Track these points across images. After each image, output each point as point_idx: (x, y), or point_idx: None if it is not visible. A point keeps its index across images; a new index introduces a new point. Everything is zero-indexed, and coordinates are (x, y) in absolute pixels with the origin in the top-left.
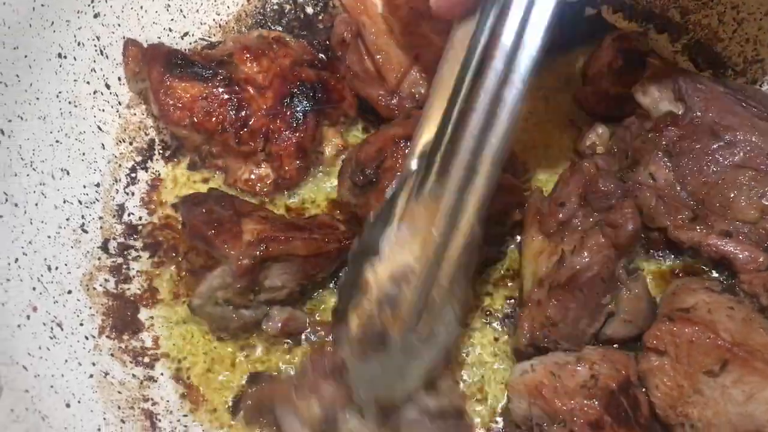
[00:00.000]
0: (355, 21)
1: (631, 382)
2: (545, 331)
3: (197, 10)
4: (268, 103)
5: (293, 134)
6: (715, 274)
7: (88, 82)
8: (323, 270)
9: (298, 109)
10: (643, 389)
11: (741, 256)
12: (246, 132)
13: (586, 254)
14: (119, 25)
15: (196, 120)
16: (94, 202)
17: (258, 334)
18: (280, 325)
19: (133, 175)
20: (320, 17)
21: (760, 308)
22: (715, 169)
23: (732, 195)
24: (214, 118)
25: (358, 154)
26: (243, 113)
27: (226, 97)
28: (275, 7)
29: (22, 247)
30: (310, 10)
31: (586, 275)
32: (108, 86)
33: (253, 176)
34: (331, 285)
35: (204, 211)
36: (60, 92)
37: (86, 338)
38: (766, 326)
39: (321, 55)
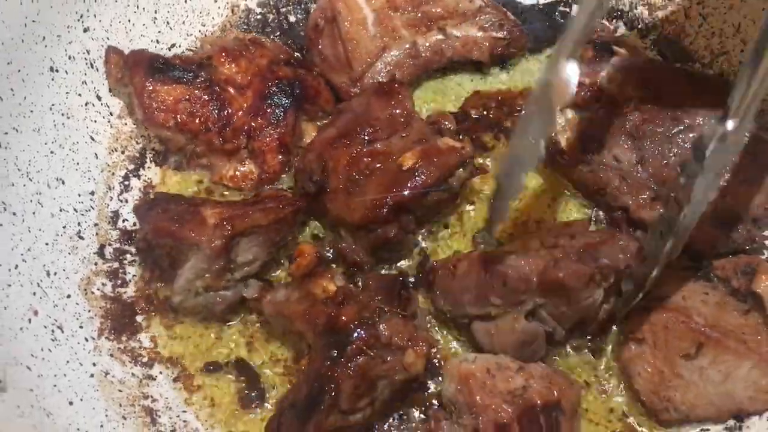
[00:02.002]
0: (332, 7)
1: (561, 407)
2: (447, 294)
3: (183, 22)
4: (249, 101)
5: (274, 130)
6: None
7: (79, 95)
8: (286, 235)
9: (277, 106)
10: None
11: None
12: (229, 130)
13: (526, 261)
14: (108, 38)
15: (179, 121)
16: (89, 210)
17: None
18: (257, 289)
19: (126, 182)
20: (302, 25)
21: (732, 291)
22: (675, 151)
23: None
24: (197, 119)
25: (299, 164)
26: (225, 113)
27: (207, 98)
28: (258, 16)
29: (22, 254)
30: (293, 18)
31: (515, 274)
32: (99, 98)
33: (237, 173)
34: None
35: (160, 211)
36: (53, 105)
37: (86, 340)
38: (739, 308)
39: (297, 54)
